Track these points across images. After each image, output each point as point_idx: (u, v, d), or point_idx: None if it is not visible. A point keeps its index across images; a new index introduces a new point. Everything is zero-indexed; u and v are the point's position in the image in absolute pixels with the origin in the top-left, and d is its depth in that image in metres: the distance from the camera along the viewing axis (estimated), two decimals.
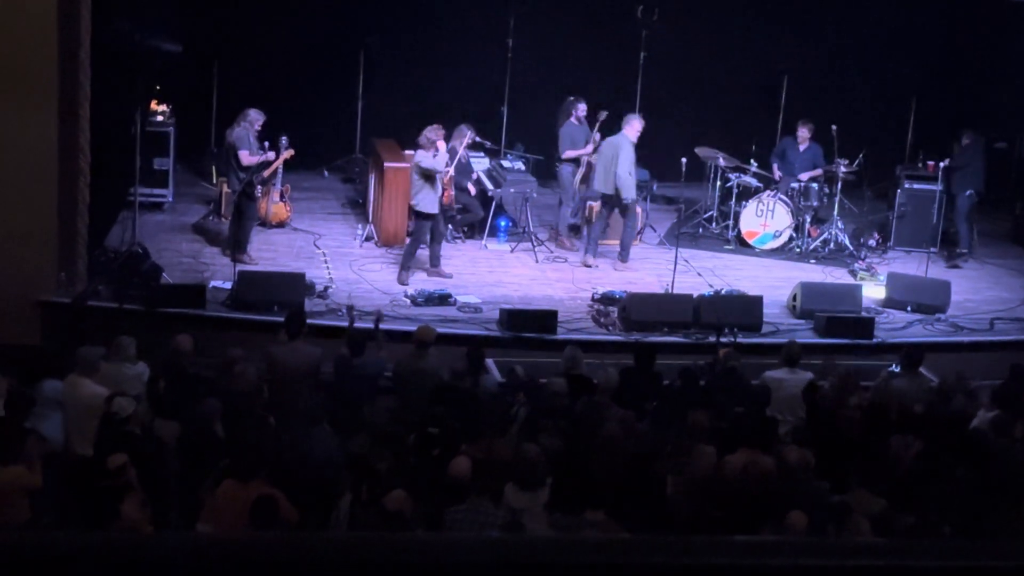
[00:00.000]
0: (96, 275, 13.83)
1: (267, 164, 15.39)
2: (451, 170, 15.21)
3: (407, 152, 16.18)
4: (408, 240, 15.34)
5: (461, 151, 16.00)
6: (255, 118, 15.17)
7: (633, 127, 15.63)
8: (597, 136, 16.34)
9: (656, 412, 10.34)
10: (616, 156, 15.48)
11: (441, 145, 14.85)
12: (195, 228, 16.31)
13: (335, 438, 9.78)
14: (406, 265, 14.96)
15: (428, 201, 14.75)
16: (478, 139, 16.68)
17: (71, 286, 13.52)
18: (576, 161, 16.56)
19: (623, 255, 15.92)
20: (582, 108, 16.61)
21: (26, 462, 8.99)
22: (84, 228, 13.71)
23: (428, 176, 14.69)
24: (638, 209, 16.44)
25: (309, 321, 12.01)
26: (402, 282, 14.80)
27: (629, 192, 15.57)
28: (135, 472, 8.69)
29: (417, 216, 15.02)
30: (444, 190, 15.35)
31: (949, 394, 11.36)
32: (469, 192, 16.64)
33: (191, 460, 9.48)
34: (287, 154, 15.70)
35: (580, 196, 16.56)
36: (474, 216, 16.64)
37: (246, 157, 14.99)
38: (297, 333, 11.37)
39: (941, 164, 17.12)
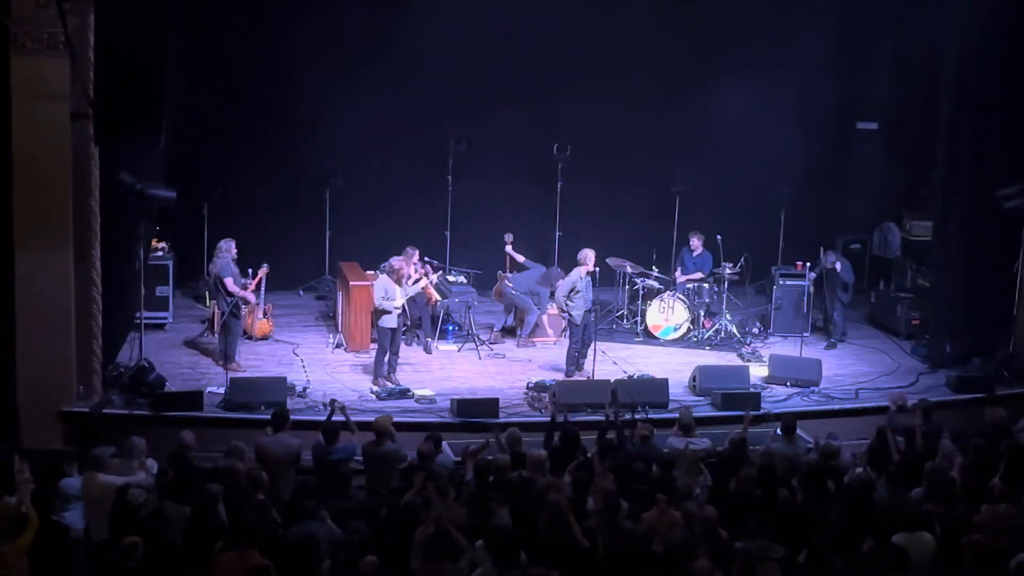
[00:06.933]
0: (109, 387, 13.82)
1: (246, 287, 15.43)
2: (425, 281, 15.62)
3: (368, 272, 16.30)
4: (376, 348, 15.23)
5: (425, 269, 16.24)
6: (227, 247, 15.25)
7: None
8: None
9: (578, 479, 10.40)
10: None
11: (404, 273, 14.91)
12: (192, 344, 16.29)
13: (315, 513, 9.73)
14: (379, 372, 14.89)
15: (387, 320, 14.79)
16: (426, 259, 16.83)
17: (88, 397, 13.49)
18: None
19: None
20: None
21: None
22: (98, 348, 13.75)
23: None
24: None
25: (292, 417, 11.97)
26: (393, 382, 14.72)
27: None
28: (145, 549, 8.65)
29: (380, 330, 15.01)
30: (428, 296, 16.03)
31: (823, 453, 11.49)
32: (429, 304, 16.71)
33: (197, 537, 9.41)
34: (263, 272, 15.82)
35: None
36: (424, 331, 16.65)
37: (231, 284, 15.04)
38: (281, 427, 11.38)
39: (807, 265, 17.29)
